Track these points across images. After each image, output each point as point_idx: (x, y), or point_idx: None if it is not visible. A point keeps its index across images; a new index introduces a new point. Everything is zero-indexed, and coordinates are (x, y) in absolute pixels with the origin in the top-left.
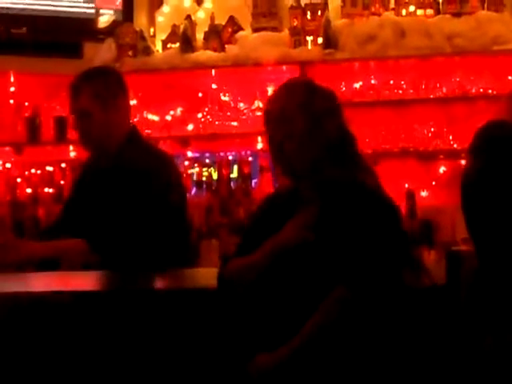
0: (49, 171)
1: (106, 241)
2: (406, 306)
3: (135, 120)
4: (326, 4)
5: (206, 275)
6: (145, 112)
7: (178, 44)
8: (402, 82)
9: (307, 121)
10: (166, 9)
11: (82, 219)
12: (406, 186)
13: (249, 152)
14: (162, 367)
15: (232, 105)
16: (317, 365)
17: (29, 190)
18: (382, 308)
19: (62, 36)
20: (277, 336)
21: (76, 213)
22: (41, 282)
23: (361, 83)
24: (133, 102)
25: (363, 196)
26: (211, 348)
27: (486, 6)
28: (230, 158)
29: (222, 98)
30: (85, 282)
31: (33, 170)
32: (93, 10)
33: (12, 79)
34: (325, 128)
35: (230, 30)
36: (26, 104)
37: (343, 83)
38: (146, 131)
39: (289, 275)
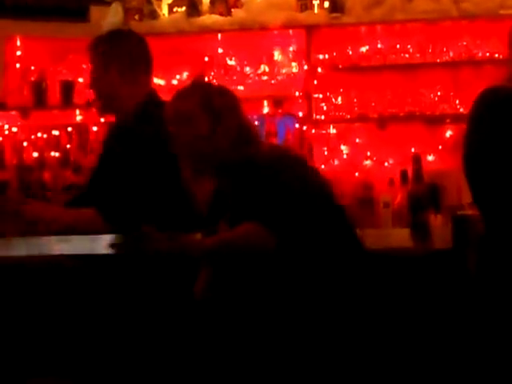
0: (55, 135)
1: (117, 210)
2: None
3: None
4: None
5: None
6: None
7: (184, 8)
8: (409, 46)
9: (209, 119)
10: None
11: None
12: (413, 150)
13: (255, 116)
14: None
15: (238, 69)
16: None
17: (35, 154)
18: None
19: (68, 0)
20: None
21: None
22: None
23: (367, 47)
24: None
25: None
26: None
27: None
28: None
29: (228, 62)
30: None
31: (39, 134)
32: None
33: (18, 43)
34: (225, 124)
35: None
36: (33, 68)
37: (349, 47)
38: None
39: None
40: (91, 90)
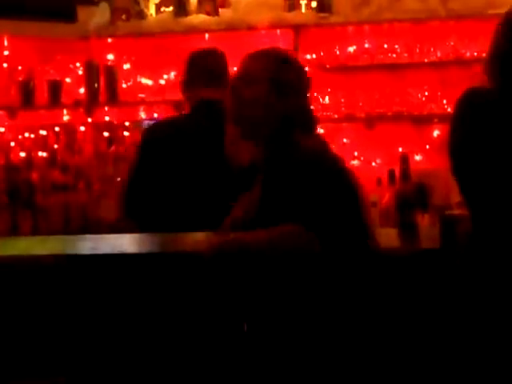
0: (42, 135)
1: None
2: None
3: (129, 84)
4: None
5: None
6: (138, 76)
7: (171, 8)
8: (397, 46)
9: (271, 88)
10: None
11: None
12: (400, 149)
13: None
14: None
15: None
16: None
17: (22, 154)
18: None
19: (56, 0)
20: None
21: None
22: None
23: (355, 47)
24: (126, 66)
25: (307, 160)
26: None
27: None
28: None
29: None
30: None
31: (26, 134)
32: None
33: (6, 43)
34: (284, 100)
35: None
36: (20, 68)
37: (337, 47)
38: (140, 95)
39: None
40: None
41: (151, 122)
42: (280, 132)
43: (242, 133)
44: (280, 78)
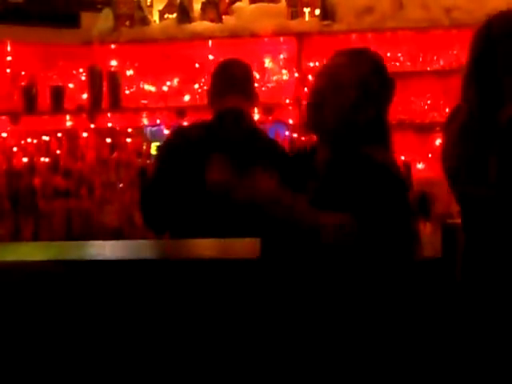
0: (45, 141)
1: None
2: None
3: (131, 90)
4: None
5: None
6: (141, 82)
7: (175, 14)
8: (399, 55)
9: (359, 96)
10: None
11: None
12: (403, 158)
13: None
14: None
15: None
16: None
17: (25, 160)
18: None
19: (59, 5)
20: None
21: None
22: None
23: None
24: (129, 73)
25: (371, 170)
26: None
27: None
28: None
29: None
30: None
31: (29, 140)
32: None
33: (9, 48)
34: (367, 109)
35: (227, 0)
36: (23, 73)
37: None
38: (143, 101)
39: None
40: None
41: (175, 128)
42: (354, 140)
43: (316, 133)
44: (369, 86)
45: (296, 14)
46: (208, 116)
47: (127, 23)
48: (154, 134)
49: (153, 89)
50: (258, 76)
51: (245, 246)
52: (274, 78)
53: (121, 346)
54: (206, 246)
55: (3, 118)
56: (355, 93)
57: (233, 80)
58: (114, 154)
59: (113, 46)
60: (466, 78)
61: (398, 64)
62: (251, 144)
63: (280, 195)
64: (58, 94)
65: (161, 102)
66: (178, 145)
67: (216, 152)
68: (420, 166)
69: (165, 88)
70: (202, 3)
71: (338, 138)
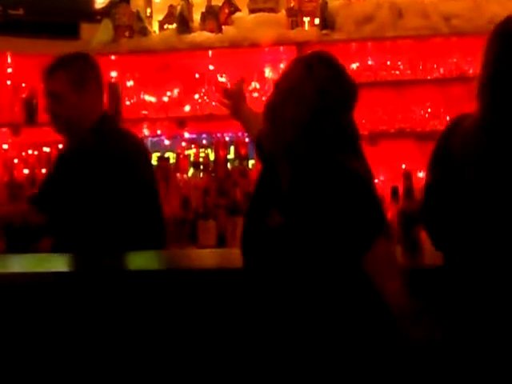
0: (46, 152)
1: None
2: None
3: (132, 101)
4: None
5: (202, 256)
6: (141, 93)
7: (174, 25)
8: (399, 63)
9: (318, 105)
10: None
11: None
12: (403, 166)
13: (245, 133)
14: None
15: (229, 86)
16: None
17: (26, 171)
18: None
19: (59, 17)
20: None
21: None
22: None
23: (358, 64)
24: (129, 83)
25: (333, 170)
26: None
27: None
28: (227, 139)
29: (219, 79)
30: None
31: (30, 151)
32: None
33: (9, 60)
34: (325, 116)
35: (226, 10)
36: (23, 85)
37: None
38: (143, 112)
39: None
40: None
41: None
42: (321, 149)
43: (273, 148)
44: (329, 93)
45: (296, 23)
46: (208, 126)
47: (127, 34)
48: (154, 145)
49: (153, 99)
50: (258, 86)
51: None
52: None
53: (121, 354)
54: (203, 256)
55: (4, 129)
56: (313, 102)
57: None
58: None
59: (113, 57)
60: (485, 82)
61: (397, 72)
62: None
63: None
64: None
65: (161, 113)
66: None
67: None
68: (421, 174)
69: (165, 98)
70: (202, 13)
71: (298, 150)
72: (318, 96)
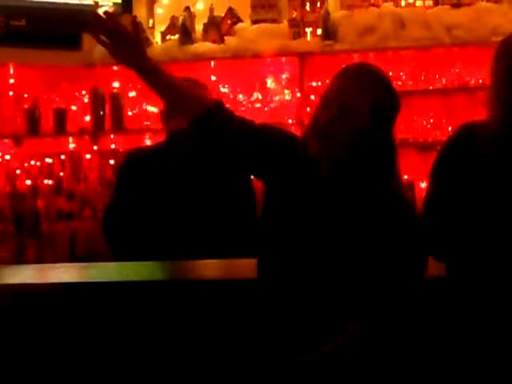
0: (48, 163)
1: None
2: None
3: (134, 112)
4: None
5: (208, 266)
6: (144, 104)
7: (177, 36)
8: (402, 74)
9: (371, 119)
10: (164, 0)
11: None
12: (406, 177)
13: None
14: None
15: (231, 96)
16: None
17: (28, 182)
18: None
19: (61, 28)
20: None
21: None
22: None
23: None
24: (132, 94)
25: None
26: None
27: None
28: None
29: (221, 89)
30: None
31: (32, 162)
32: (92, 2)
33: (11, 71)
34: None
35: (229, 21)
36: (26, 96)
37: None
38: (146, 123)
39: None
40: None
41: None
42: (373, 173)
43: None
44: (380, 107)
45: (298, 34)
46: None
47: None
48: None
49: (155, 110)
50: (260, 96)
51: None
52: (277, 98)
53: (124, 366)
54: (207, 267)
55: (6, 140)
56: (367, 116)
57: None
58: None
59: (115, 68)
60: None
61: (400, 83)
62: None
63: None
64: (60, 117)
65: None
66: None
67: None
68: (423, 185)
69: None
70: (204, 24)
71: (351, 171)
72: (372, 110)
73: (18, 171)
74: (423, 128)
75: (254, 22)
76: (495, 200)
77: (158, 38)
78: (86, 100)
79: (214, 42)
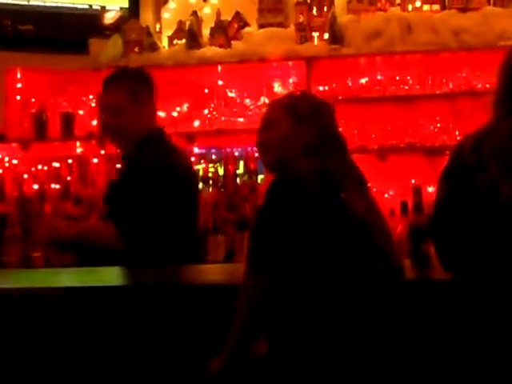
0: (55, 167)
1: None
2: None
3: None
4: None
5: (211, 271)
6: None
7: (183, 40)
8: (408, 78)
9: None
10: (171, 5)
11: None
12: (413, 181)
13: (255, 148)
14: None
15: (238, 101)
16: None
17: (35, 186)
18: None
19: (68, 32)
20: None
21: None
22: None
23: (367, 79)
24: None
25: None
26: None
27: (491, 1)
28: (236, 153)
29: (228, 94)
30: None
31: (39, 166)
32: (99, 7)
33: (19, 75)
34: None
35: (235, 25)
36: (33, 100)
37: (349, 79)
38: None
39: None
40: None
41: None
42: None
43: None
44: (297, 110)
45: (305, 38)
46: (217, 141)
47: (136, 49)
48: None
49: (162, 114)
50: (267, 100)
51: None
52: None
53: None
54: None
55: (14, 144)
56: (287, 118)
57: None
58: None
59: None
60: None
61: (406, 87)
62: None
63: None
64: (67, 121)
65: (170, 128)
66: None
67: None
68: (430, 189)
69: (174, 113)
70: (211, 29)
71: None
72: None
73: (26, 175)
74: (430, 132)
75: (261, 26)
76: (503, 208)
77: (165, 43)
78: (93, 104)
79: (220, 46)
